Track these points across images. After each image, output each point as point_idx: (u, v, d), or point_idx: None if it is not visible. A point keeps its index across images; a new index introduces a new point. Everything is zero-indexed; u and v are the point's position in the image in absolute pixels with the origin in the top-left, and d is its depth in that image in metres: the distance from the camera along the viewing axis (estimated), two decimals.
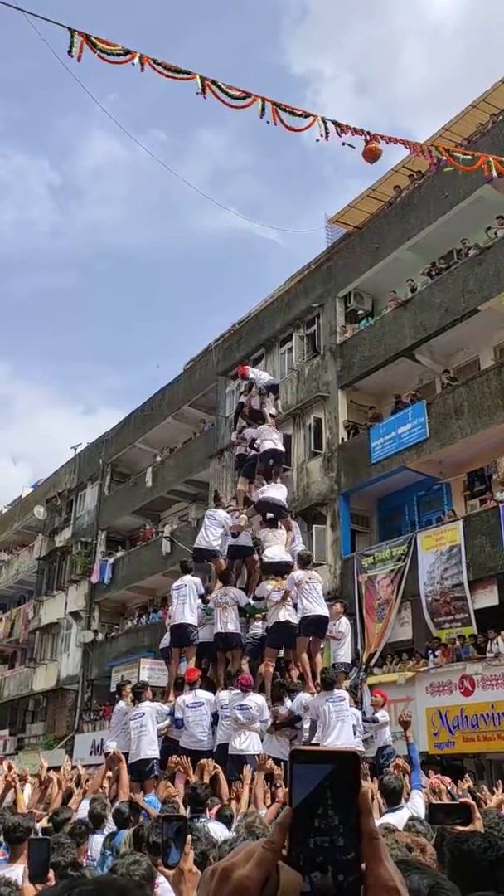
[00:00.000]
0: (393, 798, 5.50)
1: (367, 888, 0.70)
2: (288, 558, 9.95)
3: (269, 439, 11.14)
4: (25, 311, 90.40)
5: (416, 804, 5.64)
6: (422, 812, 5.34)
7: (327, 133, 9.38)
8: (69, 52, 8.24)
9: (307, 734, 8.26)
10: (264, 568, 9.92)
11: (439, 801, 5.26)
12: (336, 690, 8.21)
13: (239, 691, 8.29)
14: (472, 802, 2.70)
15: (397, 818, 5.00)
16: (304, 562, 9.61)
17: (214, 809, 6.12)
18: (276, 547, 9.98)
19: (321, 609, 9.17)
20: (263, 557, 10.00)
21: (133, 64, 8.53)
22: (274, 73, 79.32)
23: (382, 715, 10.28)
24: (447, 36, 71.77)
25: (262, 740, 8.21)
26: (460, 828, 2.41)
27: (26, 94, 76.22)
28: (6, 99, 77.09)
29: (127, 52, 8.64)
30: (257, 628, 9.68)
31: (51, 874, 2.63)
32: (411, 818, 4.75)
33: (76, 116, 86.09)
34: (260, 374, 13.22)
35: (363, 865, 0.71)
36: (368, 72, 78.02)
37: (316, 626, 9.15)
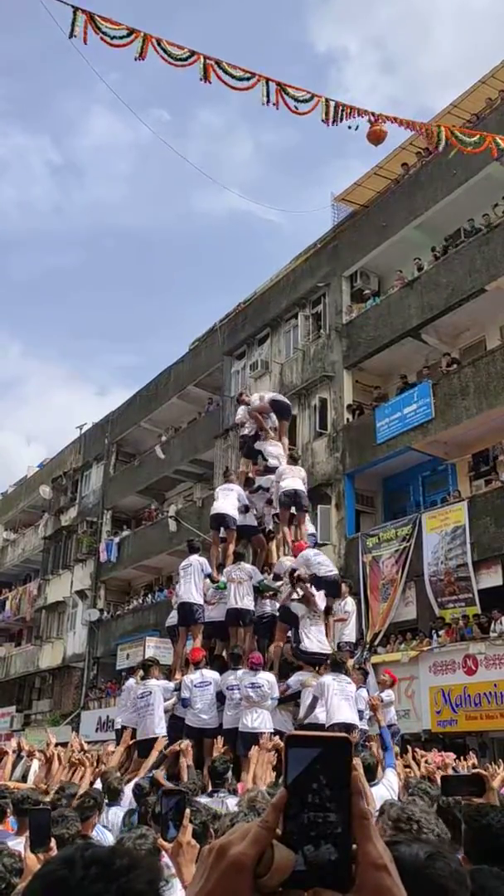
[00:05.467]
0: (368, 774, 5.79)
1: (358, 865, 0.73)
2: (303, 489, 10.19)
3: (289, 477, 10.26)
4: (30, 290, 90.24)
5: (390, 781, 5.99)
6: (396, 788, 5.73)
7: (328, 116, 9.28)
8: (71, 34, 8.13)
9: (304, 711, 8.32)
10: (281, 500, 9.98)
11: (452, 773, 5.39)
12: (342, 673, 8.32)
13: (249, 670, 8.35)
14: (486, 773, 2.72)
15: (374, 794, 5.30)
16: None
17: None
18: (293, 479, 10.00)
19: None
20: (278, 489, 10.05)
21: (136, 57, 8.42)
22: (296, 50, 78.07)
23: (387, 694, 10.34)
24: (478, 10, 70.14)
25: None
26: (475, 799, 2.43)
27: (26, 71, 75.52)
28: (6, 77, 76.39)
29: (131, 33, 8.53)
30: (265, 606, 9.70)
31: (53, 844, 2.66)
32: (411, 794, 5.00)
33: (77, 95, 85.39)
34: (265, 396, 11.47)
35: (354, 846, 0.74)
36: (395, 49, 76.62)
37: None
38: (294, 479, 10.20)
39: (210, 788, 5.97)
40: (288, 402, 11.89)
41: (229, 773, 6.15)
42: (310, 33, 78.19)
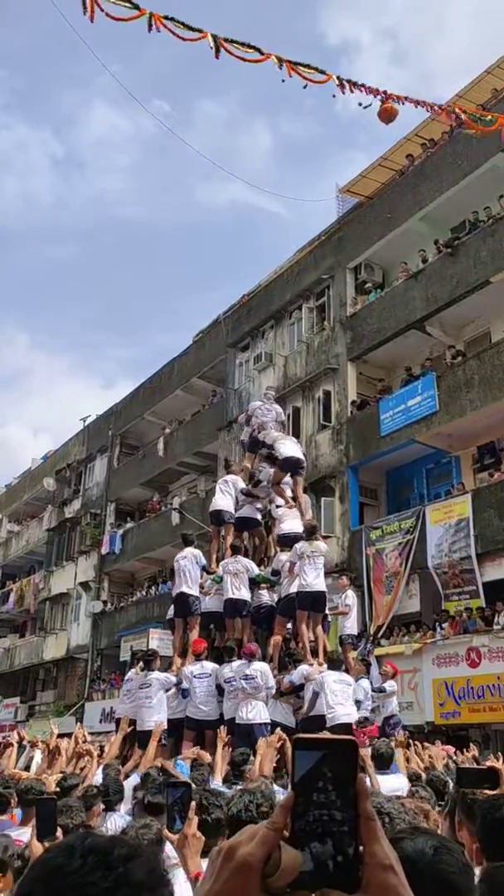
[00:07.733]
0: (382, 763, 5.79)
1: (365, 866, 0.74)
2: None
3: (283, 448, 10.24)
4: (36, 282, 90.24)
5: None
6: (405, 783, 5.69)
7: (342, 88, 9.14)
8: (84, 12, 7.97)
9: (307, 705, 8.38)
10: (280, 540, 9.96)
11: (468, 766, 5.43)
12: (341, 670, 8.45)
13: (243, 661, 8.38)
14: (500, 767, 2.75)
15: (387, 781, 5.31)
16: (309, 533, 9.44)
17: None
18: (293, 521, 10.00)
19: (320, 585, 9.08)
20: (279, 531, 10.03)
21: (151, 30, 8.27)
22: (306, 40, 77.32)
23: (390, 685, 10.41)
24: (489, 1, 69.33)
25: (267, 707, 8.32)
26: (489, 792, 2.45)
27: (28, 64, 75.25)
28: (8, 70, 76.17)
29: (136, 9, 8.41)
30: (262, 597, 9.74)
31: (59, 833, 2.67)
32: (414, 784, 5.03)
33: (78, 88, 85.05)
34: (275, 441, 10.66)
35: (360, 847, 0.75)
36: (408, 40, 75.76)
37: (314, 601, 9.10)
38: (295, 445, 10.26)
39: (217, 779, 5.99)
40: (300, 455, 10.74)
41: (248, 766, 6.18)
42: (320, 23, 77.53)
